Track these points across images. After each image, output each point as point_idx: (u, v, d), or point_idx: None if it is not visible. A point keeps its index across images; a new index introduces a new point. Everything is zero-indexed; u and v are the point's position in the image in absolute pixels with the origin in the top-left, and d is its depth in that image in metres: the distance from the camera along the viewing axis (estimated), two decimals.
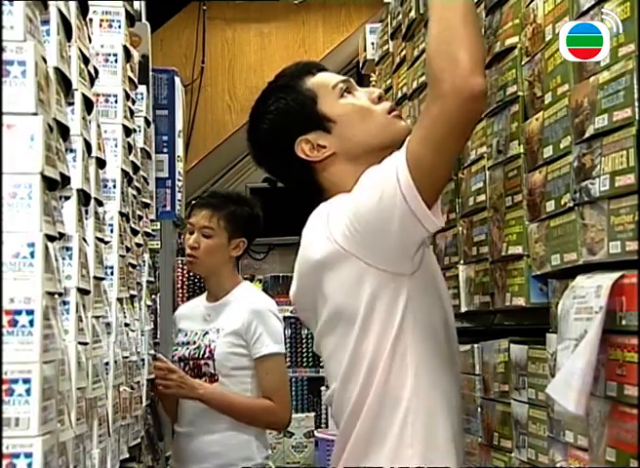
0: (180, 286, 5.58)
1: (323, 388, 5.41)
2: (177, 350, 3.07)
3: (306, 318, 1.85)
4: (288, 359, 5.61)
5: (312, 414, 5.68)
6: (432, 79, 1.56)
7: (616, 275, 1.21)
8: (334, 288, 1.69)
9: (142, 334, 2.64)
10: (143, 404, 2.61)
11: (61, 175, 1.39)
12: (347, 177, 1.74)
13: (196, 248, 3.01)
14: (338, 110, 1.80)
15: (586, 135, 1.34)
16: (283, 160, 1.84)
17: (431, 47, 1.58)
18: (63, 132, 1.51)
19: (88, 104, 1.76)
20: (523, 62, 1.70)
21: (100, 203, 1.87)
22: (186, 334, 3.05)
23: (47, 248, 1.26)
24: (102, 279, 1.86)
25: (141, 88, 2.85)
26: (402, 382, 1.65)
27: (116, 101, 2.19)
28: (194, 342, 3.00)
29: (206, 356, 2.96)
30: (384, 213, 1.59)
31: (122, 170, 2.21)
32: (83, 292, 1.62)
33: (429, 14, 1.64)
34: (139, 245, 2.64)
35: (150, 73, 3.80)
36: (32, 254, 1.23)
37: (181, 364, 3.01)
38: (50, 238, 1.30)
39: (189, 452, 2.98)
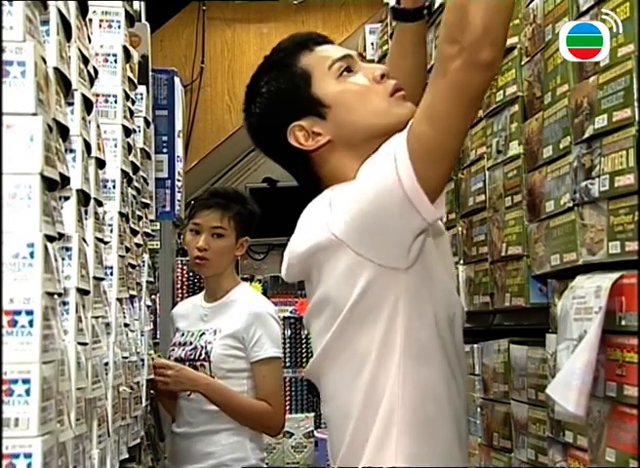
0: (179, 286, 5.57)
1: None
2: (173, 350, 3.05)
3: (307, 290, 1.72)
4: (287, 359, 5.60)
5: (312, 415, 5.67)
6: (442, 42, 1.42)
7: (615, 275, 1.21)
8: (326, 274, 1.58)
9: (142, 335, 2.63)
10: (143, 404, 2.61)
11: (61, 175, 1.39)
12: (348, 168, 1.60)
13: (206, 249, 2.97)
14: (333, 94, 1.64)
15: (586, 135, 1.34)
16: (279, 148, 1.70)
17: (448, 7, 1.42)
18: (63, 132, 1.51)
19: (87, 104, 1.76)
20: (523, 63, 1.70)
21: (99, 203, 1.87)
22: (183, 335, 3.04)
23: (46, 248, 1.26)
24: (102, 279, 1.85)
25: (141, 88, 2.84)
26: (386, 382, 1.53)
27: (116, 102, 2.19)
28: (190, 343, 2.98)
29: (202, 358, 2.94)
30: (380, 200, 1.47)
31: (122, 170, 2.20)
32: (83, 292, 1.62)
33: None
34: (138, 245, 2.63)
35: (150, 73, 3.79)
36: (32, 255, 1.23)
37: None
38: (49, 238, 1.30)
39: (184, 453, 2.97)
